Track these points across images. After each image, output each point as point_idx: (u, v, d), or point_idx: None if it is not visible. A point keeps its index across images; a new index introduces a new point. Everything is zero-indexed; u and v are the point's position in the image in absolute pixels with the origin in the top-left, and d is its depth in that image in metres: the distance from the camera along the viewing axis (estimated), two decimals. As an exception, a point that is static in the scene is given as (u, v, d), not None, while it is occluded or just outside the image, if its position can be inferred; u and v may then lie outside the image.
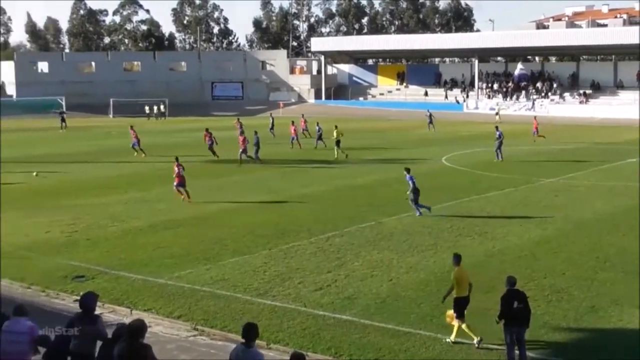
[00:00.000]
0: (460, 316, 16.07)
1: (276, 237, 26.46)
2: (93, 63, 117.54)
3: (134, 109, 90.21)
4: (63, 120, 77.38)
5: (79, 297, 18.53)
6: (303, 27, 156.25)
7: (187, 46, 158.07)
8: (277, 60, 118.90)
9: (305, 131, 62.90)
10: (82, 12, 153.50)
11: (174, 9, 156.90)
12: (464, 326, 16.02)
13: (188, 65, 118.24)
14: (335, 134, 50.00)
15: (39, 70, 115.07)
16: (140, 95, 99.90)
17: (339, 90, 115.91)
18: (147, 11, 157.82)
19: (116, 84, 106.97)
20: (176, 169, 33.66)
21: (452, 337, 16.14)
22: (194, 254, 24.25)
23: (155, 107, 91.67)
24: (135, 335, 10.71)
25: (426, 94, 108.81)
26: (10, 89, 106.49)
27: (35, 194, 36.40)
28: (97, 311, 12.80)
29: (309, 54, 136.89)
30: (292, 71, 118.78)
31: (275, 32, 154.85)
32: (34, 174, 41.63)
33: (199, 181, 38.76)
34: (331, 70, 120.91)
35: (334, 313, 18.21)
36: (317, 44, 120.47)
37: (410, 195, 29.44)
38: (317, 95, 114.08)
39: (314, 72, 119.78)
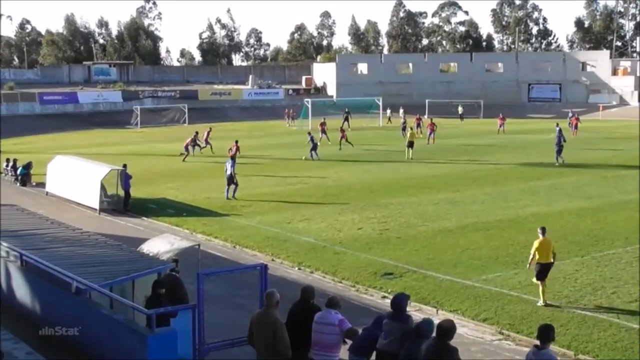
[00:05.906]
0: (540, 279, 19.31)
1: (589, 244, 25.50)
2: (410, 64, 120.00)
3: (448, 110, 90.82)
4: (347, 120, 78.98)
5: (386, 294, 19.09)
6: (629, 25, 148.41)
7: (505, 47, 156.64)
8: (599, 61, 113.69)
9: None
10: (401, 14, 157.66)
11: (493, 10, 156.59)
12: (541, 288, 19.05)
13: (505, 66, 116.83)
14: (409, 135, 51.94)
15: (359, 72, 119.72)
16: (455, 96, 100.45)
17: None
18: (466, 12, 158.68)
19: (432, 84, 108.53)
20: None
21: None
22: (503, 257, 24.07)
23: (460, 108, 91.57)
24: (445, 335, 10.75)
25: None
26: (331, 90, 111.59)
27: (350, 191, 37.95)
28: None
29: (634, 54, 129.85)
30: (614, 72, 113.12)
31: (598, 32, 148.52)
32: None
33: (512, 184, 38.38)
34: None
35: (649, 327, 17.19)
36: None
37: None
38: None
39: (639, 74, 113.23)
